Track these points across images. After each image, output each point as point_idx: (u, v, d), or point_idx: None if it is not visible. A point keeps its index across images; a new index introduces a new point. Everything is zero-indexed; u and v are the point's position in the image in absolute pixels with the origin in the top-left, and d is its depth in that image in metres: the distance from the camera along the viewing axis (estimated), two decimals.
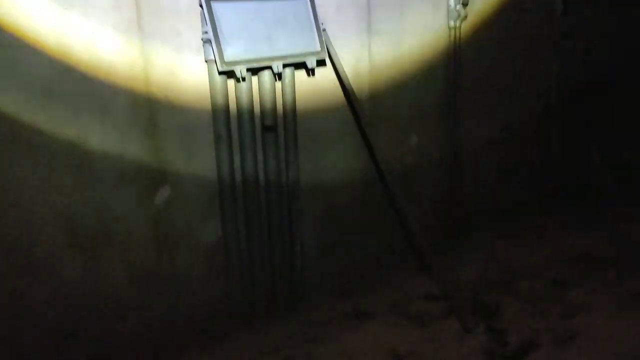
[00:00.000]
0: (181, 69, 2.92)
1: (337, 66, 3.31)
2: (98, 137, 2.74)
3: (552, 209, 4.72)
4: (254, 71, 3.08)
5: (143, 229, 2.92)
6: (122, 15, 2.70)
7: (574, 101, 4.76)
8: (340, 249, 3.70)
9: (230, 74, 2.99)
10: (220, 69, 2.88)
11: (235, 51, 2.91)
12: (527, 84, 4.58)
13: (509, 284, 3.66)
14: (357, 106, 3.37)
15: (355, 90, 3.40)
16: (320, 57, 3.23)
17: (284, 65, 3.12)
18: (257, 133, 3.18)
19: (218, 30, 2.83)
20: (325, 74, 3.40)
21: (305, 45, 3.14)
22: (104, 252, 2.83)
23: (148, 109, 2.86)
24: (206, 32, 2.85)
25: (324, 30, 3.24)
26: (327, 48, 3.24)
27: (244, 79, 2.99)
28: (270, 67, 3.07)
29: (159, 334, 3.05)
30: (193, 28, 2.91)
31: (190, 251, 3.10)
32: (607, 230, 4.30)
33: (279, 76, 3.16)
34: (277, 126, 3.22)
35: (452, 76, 4.00)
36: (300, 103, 3.32)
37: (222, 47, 2.85)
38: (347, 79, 3.34)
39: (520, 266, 3.87)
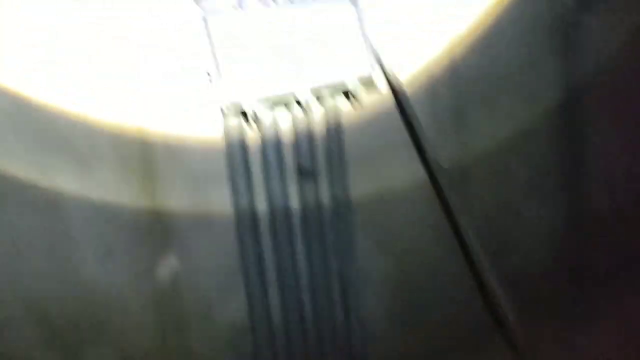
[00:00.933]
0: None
1: (398, 92, 2.46)
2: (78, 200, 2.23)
3: None
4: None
5: (142, 312, 2.37)
6: None
7: None
8: (416, 321, 2.94)
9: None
10: (226, 112, 2.22)
11: (245, 86, 2.21)
12: None
13: None
14: (429, 151, 2.51)
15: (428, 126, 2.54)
16: (369, 83, 2.40)
17: (318, 98, 2.37)
18: (289, 176, 2.50)
19: (217, 57, 2.14)
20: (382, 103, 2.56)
21: (348, 68, 2.33)
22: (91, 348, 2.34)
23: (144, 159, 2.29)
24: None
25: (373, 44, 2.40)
26: (380, 67, 2.41)
27: (258, 120, 2.29)
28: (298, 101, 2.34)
29: None
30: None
31: (207, 335, 2.51)
32: None
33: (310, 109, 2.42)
34: (316, 173, 2.49)
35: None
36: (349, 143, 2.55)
37: (225, 81, 2.15)
38: (412, 109, 2.46)
39: None
